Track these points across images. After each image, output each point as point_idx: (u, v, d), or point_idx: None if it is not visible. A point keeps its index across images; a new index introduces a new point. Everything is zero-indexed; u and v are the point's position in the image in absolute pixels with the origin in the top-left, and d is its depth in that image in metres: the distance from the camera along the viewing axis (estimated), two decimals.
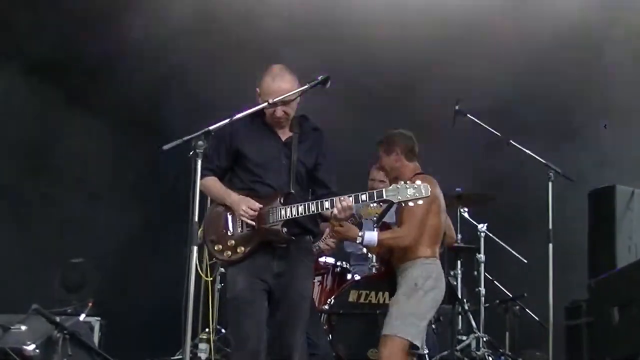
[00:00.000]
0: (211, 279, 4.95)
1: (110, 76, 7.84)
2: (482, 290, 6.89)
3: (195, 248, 4.01)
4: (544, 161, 5.99)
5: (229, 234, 4.40)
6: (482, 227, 6.97)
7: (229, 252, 4.39)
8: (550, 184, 5.94)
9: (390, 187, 4.25)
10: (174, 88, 7.86)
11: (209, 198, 4.57)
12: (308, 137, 4.52)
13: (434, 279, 5.20)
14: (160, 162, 6.89)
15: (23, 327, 4.70)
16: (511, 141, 6.13)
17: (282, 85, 4.36)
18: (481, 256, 6.93)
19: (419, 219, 5.07)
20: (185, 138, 4.01)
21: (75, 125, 7.81)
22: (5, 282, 7.04)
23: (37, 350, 4.51)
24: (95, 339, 6.47)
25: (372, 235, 5.05)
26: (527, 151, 6.08)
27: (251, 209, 4.32)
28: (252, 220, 4.33)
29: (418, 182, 4.23)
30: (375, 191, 4.27)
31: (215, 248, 4.43)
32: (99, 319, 6.79)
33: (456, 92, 6.73)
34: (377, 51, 7.73)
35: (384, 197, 4.24)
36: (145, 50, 7.69)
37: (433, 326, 6.66)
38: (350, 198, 4.25)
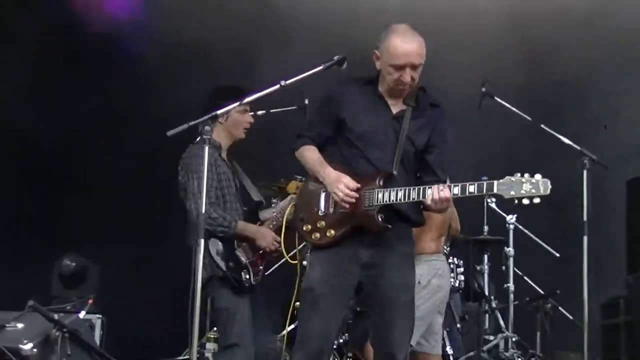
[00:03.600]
0: (297, 262, 4.73)
1: None
2: (511, 286, 6.87)
3: (202, 241, 4.02)
4: (578, 147, 5.94)
5: (320, 213, 4.17)
6: (511, 218, 6.96)
7: (318, 235, 4.16)
8: (585, 172, 5.89)
9: (504, 180, 3.89)
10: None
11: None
12: (424, 113, 4.23)
13: (439, 277, 5.17)
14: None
15: (19, 325, 4.72)
16: (542, 126, 6.09)
17: (414, 47, 4.09)
18: (510, 250, 6.91)
19: None
20: (191, 123, 4.01)
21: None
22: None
23: (35, 350, 4.53)
24: (97, 338, 6.51)
25: None
26: (560, 136, 6.03)
27: (348, 189, 4.05)
28: (346, 202, 4.05)
29: (538, 176, 3.88)
30: (485, 183, 3.92)
31: (304, 228, 4.21)
32: (100, 316, 6.82)
33: (482, 73, 6.71)
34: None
35: (495, 191, 3.89)
36: None
37: (458, 326, 6.68)
38: (457, 188, 3.96)
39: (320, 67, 4.27)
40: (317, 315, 4.09)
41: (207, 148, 4.03)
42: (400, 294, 4.16)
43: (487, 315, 7.00)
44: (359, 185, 4.08)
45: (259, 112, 5.55)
